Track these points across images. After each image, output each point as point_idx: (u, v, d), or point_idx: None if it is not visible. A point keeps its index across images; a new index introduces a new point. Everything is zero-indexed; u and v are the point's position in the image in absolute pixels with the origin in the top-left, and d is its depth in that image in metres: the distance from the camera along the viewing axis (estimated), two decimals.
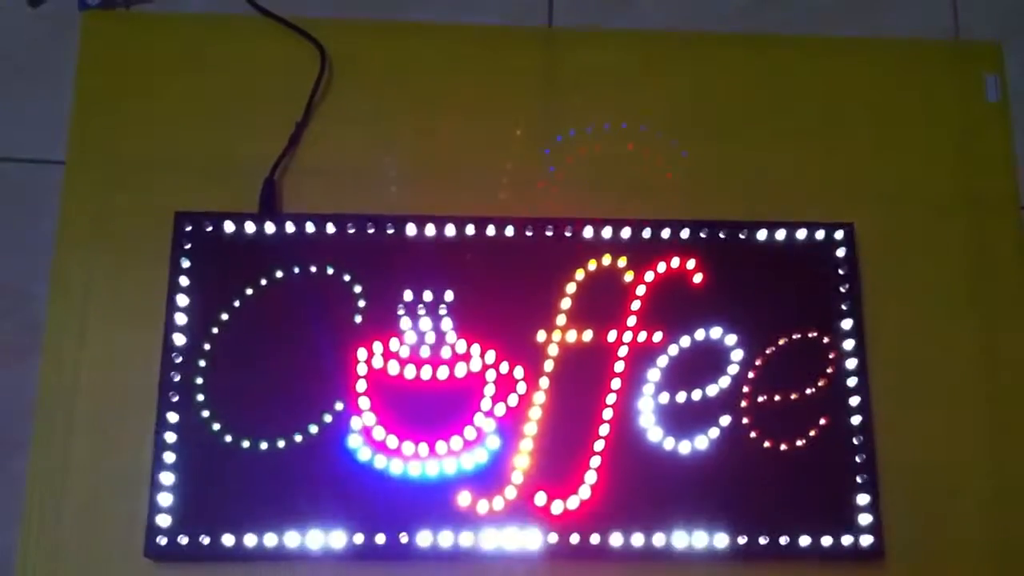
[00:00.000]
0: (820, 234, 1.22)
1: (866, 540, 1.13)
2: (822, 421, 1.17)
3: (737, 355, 1.18)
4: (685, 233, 1.21)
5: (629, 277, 1.20)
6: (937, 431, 1.19)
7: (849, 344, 1.19)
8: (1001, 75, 1.32)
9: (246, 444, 1.13)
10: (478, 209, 1.22)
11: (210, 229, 1.18)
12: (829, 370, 1.18)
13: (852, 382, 1.18)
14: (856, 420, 1.17)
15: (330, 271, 1.18)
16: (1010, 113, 1.31)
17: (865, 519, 1.14)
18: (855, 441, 1.16)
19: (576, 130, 1.28)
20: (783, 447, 1.16)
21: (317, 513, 1.11)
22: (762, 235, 1.21)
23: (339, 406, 1.14)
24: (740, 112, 1.30)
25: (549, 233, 1.20)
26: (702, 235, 1.21)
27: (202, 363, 1.15)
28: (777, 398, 1.17)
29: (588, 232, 1.20)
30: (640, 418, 1.16)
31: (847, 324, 1.19)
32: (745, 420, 1.17)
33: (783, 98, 1.30)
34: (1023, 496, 1.18)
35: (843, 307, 1.20)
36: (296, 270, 1.18)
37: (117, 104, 1.25)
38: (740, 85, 1.31)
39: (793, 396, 1.18)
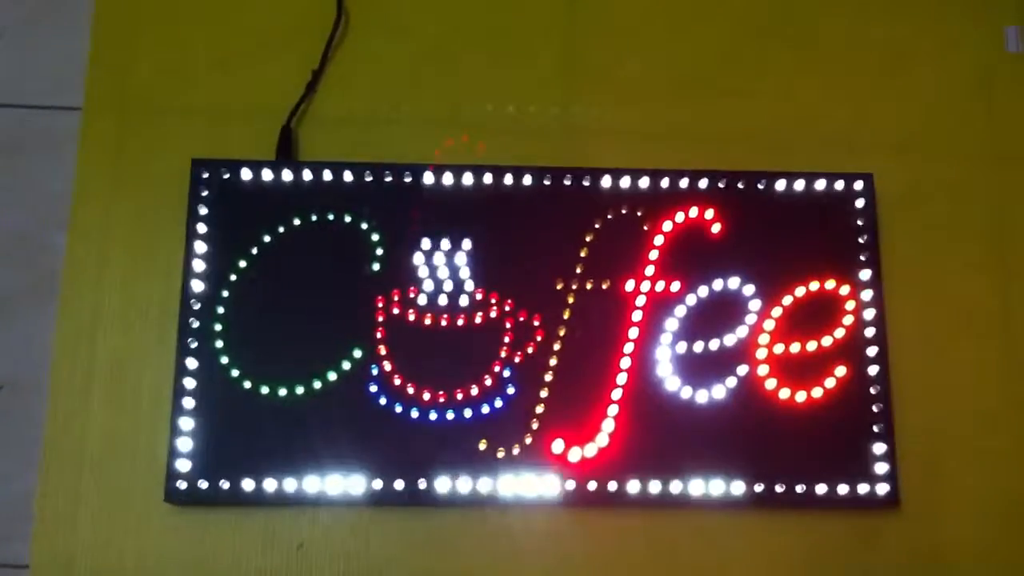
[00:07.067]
0: (839, 184, 1.21)
1: (882, 489, 1.14)
2: (839, 371, 1.17)
3: (755, 305, 1.18)
4: (703, 183, 1.20)
5: (647, 227, 1.19)
6: (954, 381, 1.20)
7: (867, 294, 1.19)
8: (1022, 26, 1.31)
9: (265, 390, 1.13)
10: (497, 157, 1.21)
11: (227, 176, 1.18)
12: (847, 320, 1.18)
13: (870, 332, 1.18)
14: (873, 370, 1.17)
15: (348, 219, 1.18)
16: None
17: (881, 468, 1.14)
18: (872, 391, 1.16)
19: (597, 75, 1.27)
20: (800, 397, 1.16)
21: (336, 458, 1.12)
22: (781, 185, 1.21)
23: (358, 353, 1.14)
24: (759, 62, 1.29)
25: (568, 182, 1.20)
26: (720, 185, 1.20)
27: (221, 310, 1.15)
28: (795, 348, 1.17)
29: (606, 181, 1.20)
30: (658, 367, 1.16)
31: (865, 275, 1.19)
32: (762, 370, 1.17)
33: (802, 48, 1.29)
34: None
35: (861, 257, 1.20)
36: (314, 218, 1.18)
37: (134, 51, 1.25)
38: (759, 34, 1.30)
39: (811, 346, 1.18)
